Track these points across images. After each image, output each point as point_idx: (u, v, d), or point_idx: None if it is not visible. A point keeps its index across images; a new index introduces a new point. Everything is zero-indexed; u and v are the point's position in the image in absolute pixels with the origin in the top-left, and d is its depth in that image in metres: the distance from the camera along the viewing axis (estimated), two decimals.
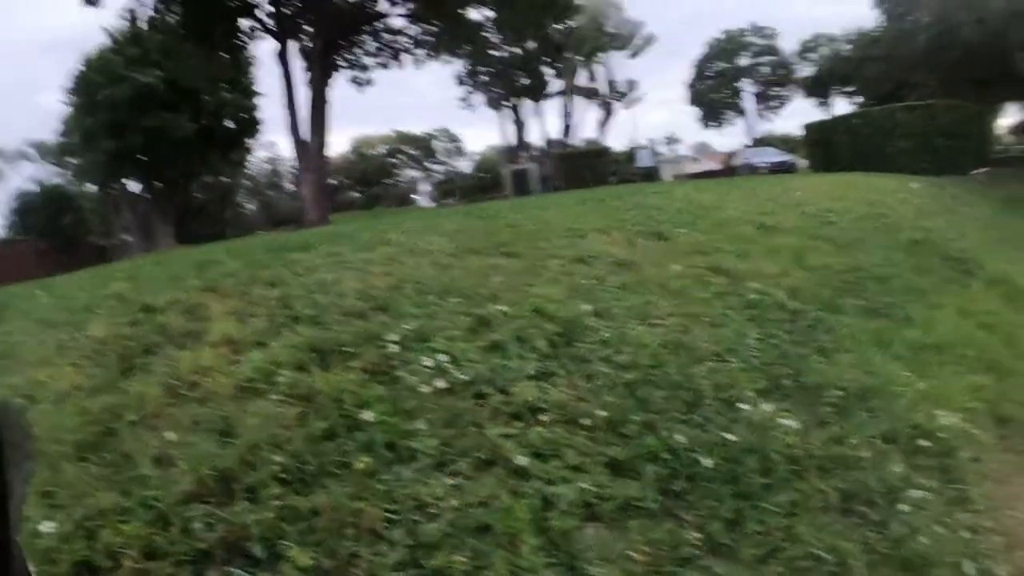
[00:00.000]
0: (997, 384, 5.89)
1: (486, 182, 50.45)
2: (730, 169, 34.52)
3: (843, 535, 3.43)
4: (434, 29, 27.83)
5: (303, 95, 24.33)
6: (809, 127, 31.43)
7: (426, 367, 3.97)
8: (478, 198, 36.44)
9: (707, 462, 3.54)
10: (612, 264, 6.09)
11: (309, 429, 3.44)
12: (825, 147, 26.90)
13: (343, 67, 27.67)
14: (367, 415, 3.53)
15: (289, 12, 24.72)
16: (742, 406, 4.06)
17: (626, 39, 49.41)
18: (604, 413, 3.79)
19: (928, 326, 6.48)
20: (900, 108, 26.06)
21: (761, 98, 52.30)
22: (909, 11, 33.27)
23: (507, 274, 5.55)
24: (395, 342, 4.19)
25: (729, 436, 3.74)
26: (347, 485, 3.13)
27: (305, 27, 25.21)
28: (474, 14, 27.60)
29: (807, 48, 52.19)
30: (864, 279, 7.29)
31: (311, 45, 24.95)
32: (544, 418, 3.71)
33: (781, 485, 3.59)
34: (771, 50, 54.57)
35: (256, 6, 24.47)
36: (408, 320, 4.48)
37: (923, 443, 4.37)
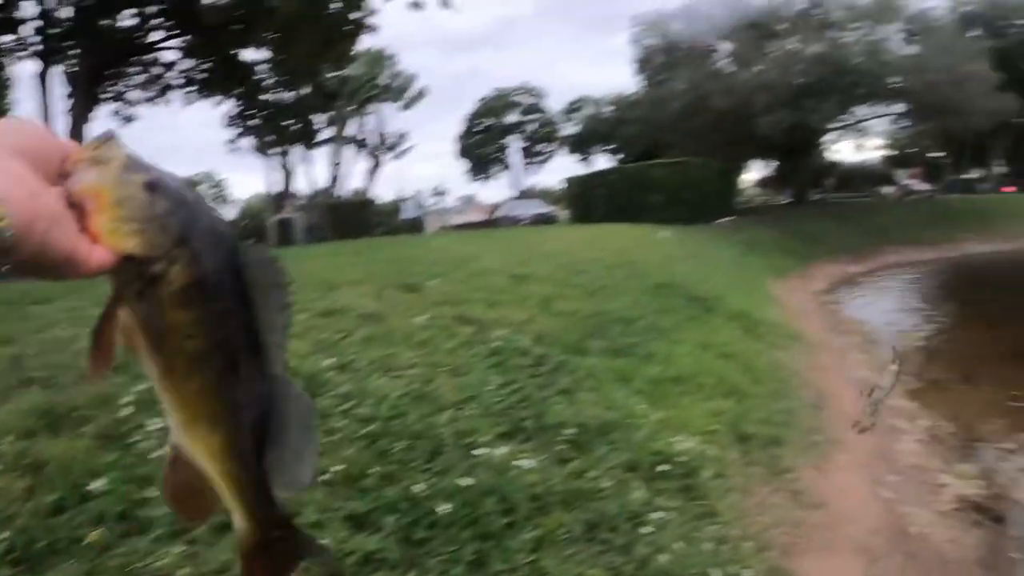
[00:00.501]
0: (737, 406, 6.58)
1: (249, 231, 48.94)
2: (492, 221, 36.01)
3: (589, 562, 3.65)
4: (206, 66, 27.14)
5: (61, 125, 22.51)
6: (570, 181, 33.94)
7: (159, 430, 3.83)
8: None
9: (446, 508, 3.66)
10: (359, 317, 6.16)
11: (38, 503, 3.23)
12: (584, 200, 29.14)
13: (107, 99, 26.05)
14: (98, 484, 3.36)
15: (57, 32, 23.00)
16: (480, 451, 4.24)
17: (399, 91, 50.56)
18: (343, 467, 3.82)
19: (668, 361, 7.13)
20: (654, 165, 28.98)
21: (527, 153, 55.13)
22: (666, 79, 37.35)
23: None
24: (129, 404, 4.01)
25: (467, 481, 3.90)
26: (80, 561, 2.97)
27: (71, 51, 23.60)
28: (249, 54, 27.42)
29: (572, 108, 56.30)
30: (610, 322, 7.89)
31: (76, 70, 23.35)
32: None
33: (523, 523, 3.77)
34: (538, 108, 58.15)
35: (22, 22, 22.62)
36: (143, 380, 4.29)
37: (664, 468, 4.77)
